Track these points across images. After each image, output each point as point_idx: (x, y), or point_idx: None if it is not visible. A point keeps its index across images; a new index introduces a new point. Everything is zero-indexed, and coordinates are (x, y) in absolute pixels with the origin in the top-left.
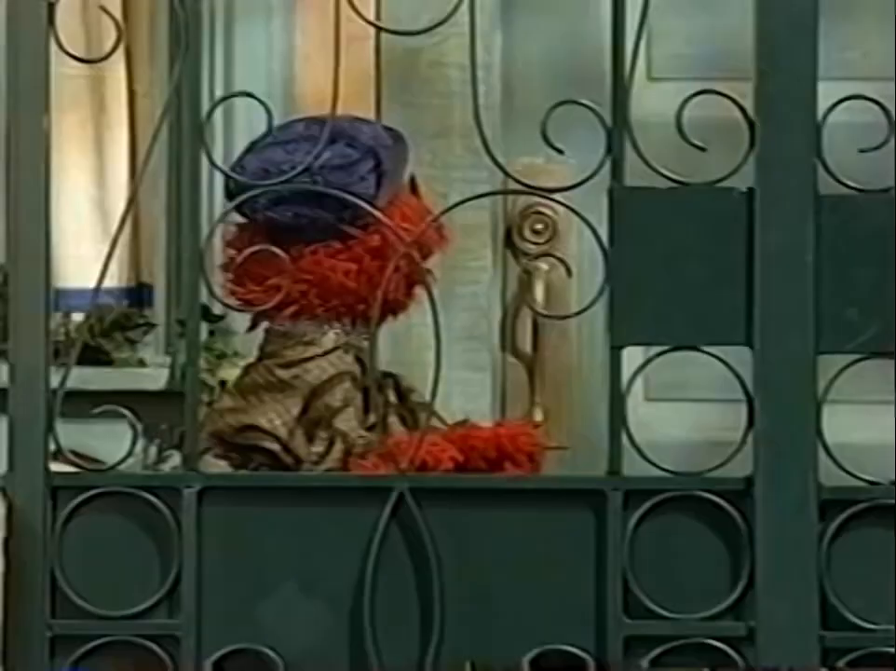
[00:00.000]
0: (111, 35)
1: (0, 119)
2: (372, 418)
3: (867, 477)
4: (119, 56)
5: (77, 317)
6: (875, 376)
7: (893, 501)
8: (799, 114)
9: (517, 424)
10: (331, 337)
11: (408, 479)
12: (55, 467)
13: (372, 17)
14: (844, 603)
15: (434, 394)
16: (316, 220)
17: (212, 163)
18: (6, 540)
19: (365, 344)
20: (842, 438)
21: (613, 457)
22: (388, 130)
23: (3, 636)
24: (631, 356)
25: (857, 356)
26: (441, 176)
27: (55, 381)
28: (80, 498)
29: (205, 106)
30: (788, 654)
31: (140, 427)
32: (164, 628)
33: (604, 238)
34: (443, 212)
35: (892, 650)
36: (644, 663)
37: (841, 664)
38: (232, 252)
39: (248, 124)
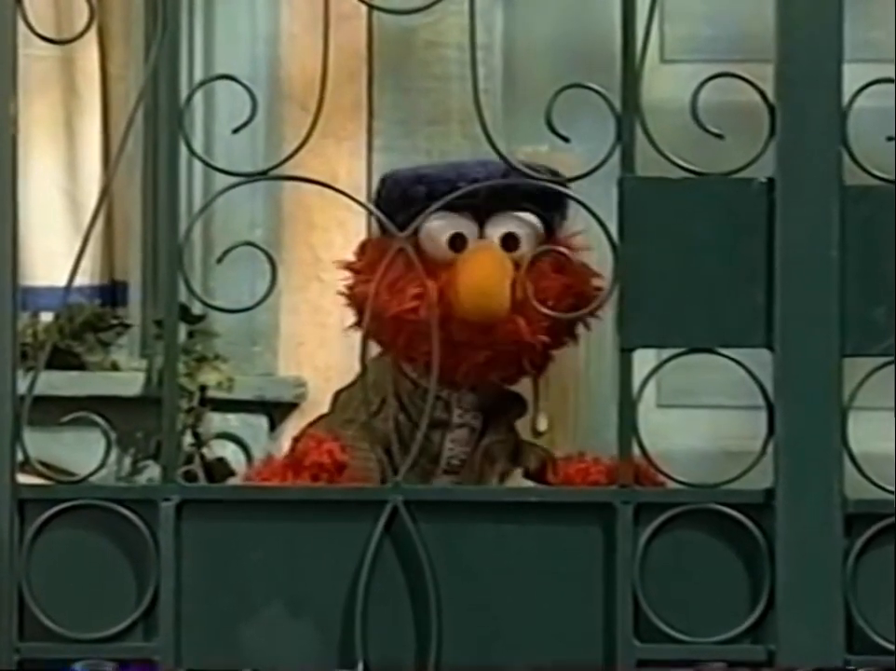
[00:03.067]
0: (83, 14)
1: None
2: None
3: None
4: (92, 36)
5: (46, 317)
6: None
7: None
8: (823, 98)
9: (584, 461)
10: None
11: (402, 491)
12: (22, 479)
13: None
14: (871, 625)
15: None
16: None
17: (192, 151)
18: None
19: None
20: (868, 447)
21: (623, 468)
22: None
23: None
24: (643, 359)
25: (885, 359)
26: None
27: (22, 387)
28: (50, 511)
29: (184, 90)
30: None
31: (113, 436)
32: (140, 651)
33: (614, 232)
34: (439, 205)
35: None
36: None
37: None
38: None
39: (230, 109)
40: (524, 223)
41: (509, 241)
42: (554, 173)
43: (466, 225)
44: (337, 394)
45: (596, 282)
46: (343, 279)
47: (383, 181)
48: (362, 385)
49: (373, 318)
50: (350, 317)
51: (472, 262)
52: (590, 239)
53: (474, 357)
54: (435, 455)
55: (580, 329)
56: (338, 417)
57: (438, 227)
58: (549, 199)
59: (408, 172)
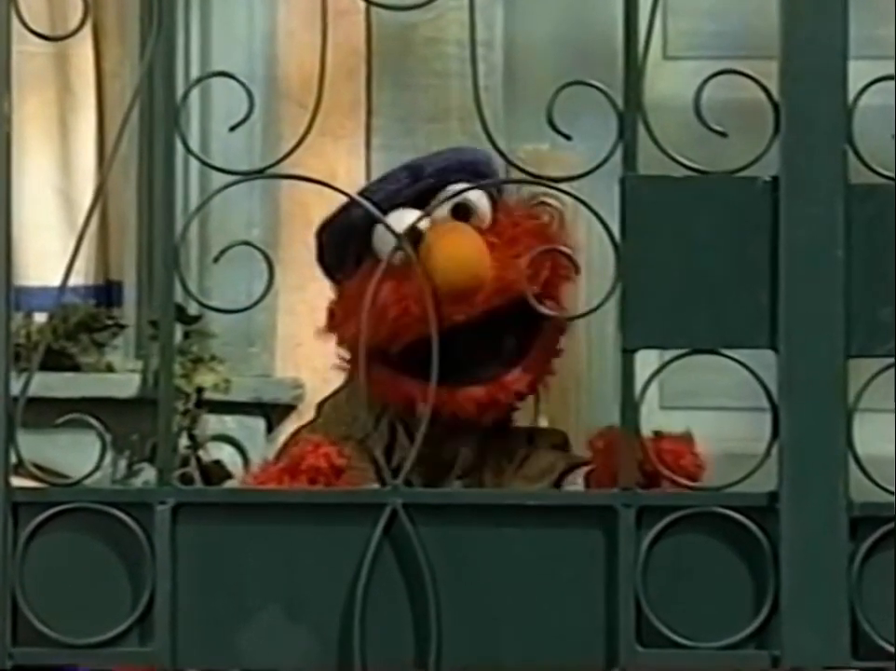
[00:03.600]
0: (77, 10)
1: None
2: None
3: None
4: (86, 32)
5: (40, 318)
6: None
7: None
8: (828, 96)
9: (679, 440)
10: None
11: (401, 494)
12: (16, 481)
13: None
14: (877, 630)
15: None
16: None
17: (188, 149)
18: None
19: None
20: (874, 449)
21: (625, 470)
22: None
23: None
24: (645, 360)
25: (890, 360)
26: None
27: (16, 388)
28: (43, 515)
29: (180, 88)
30: None
31: (108, 438)
32: (135, 657)
33: (616, 231)
34: (439, 203)
35: None
36: None
37: None
38: None
39: (226, 107)
40: (470, 192)
41: (461, 212)
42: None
43: (414, 216)
44: (321, 404)
45: (569, 243)
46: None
47: (318, 234)
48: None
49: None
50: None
51: (437, 242)
52: (592, 238)
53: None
54: (449, 463)
55: (573, 348)
56: (333, 431)
57: (386, 232)
58: (484, 173)
59: (331, 216)
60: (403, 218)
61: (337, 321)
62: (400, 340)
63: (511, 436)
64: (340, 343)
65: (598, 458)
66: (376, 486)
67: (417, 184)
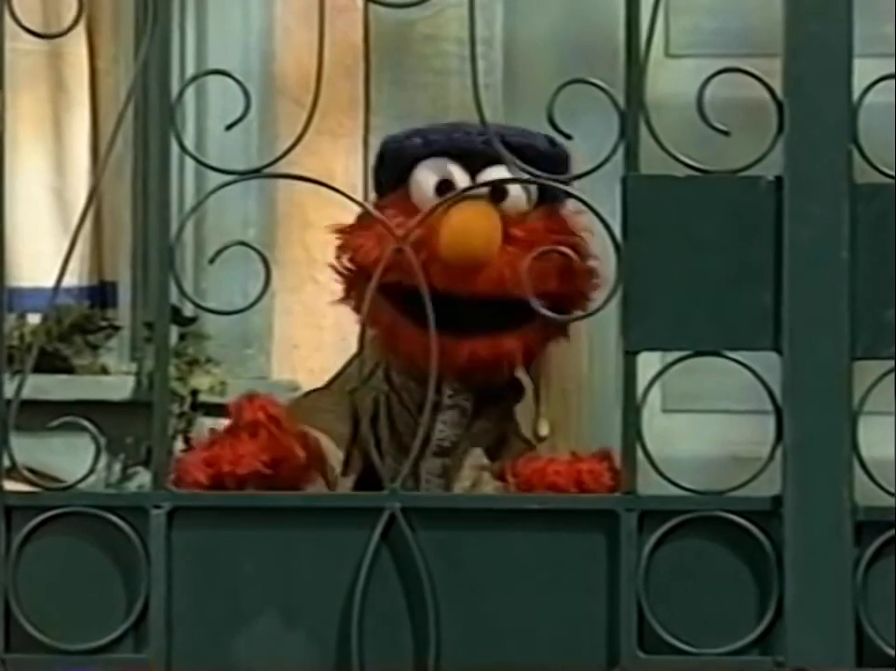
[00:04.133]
0: (71, 7)
1: None
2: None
3: None
4: (80, 30)
5: (33, 319)
6: None
7: None
8: (832, 94)
9: (595, 458)
10: None
11: (400, 498)
12: (9, 485)
13: None
14: (882, 636)
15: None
16: None
17: (183, 149)
18: None
19: None
20: (879, 453)
21: (627, 474)
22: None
23: None
24: (647, 363)
25: (894, 364)
26: None
27: (9, 390)
28: (37, 519)
29: (175, 86)
30: None
31: (103, 441)
32: (130, 663)
33: (617, 231)
34: (440, 204)
35: None
36: None
37: None
38: None
39: (222, 105)
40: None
41: (497, 193)
42: (552, 142)
43: (456, 173)
44: (308, 393)
45: (592, 263)
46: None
47: (384, 143)
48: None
49: (363, 281)
50: (345, 322)
51: (455, 208)
52: (594, 238)
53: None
54: (424, 436)
55: (573, 348)
56: (317, 417)
57: (426, 174)
58: (545, 163)
59: (406, 131)
60: (442, 167)
61: (354, 228)
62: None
63: (484, 431)
64: (343, 253)
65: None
66: (347, 434)
67: (471, 143)
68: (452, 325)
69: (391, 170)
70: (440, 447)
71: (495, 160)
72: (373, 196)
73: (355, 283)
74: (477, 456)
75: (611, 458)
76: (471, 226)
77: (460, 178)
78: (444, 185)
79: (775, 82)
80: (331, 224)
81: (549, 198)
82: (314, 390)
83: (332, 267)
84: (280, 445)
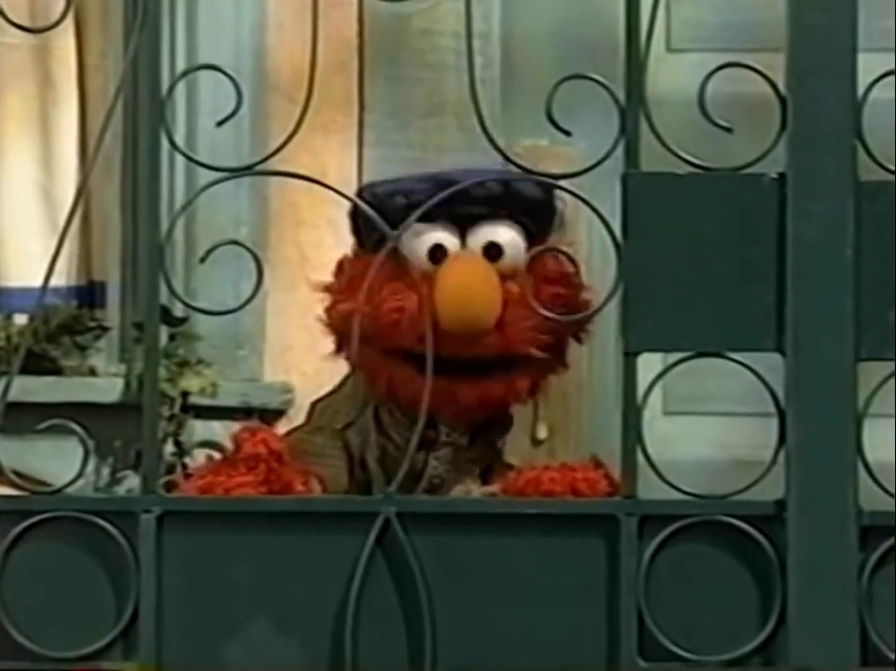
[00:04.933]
0: (58, 1)
1: None
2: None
3: None
4: (68, 24)
5: (20, 319)
6: None
7: None
8: (837, 90)
9: (589, 466)
10: None
11: (394, 502)
12: None
13: None
14: (887, 642)
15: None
16: None
17: (174, 145)
18: None
19: None
20: (883, 456)
21: (627, 478)
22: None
23: None
24: (648, 364)
25: None
26: (432, 160)
27: None
28: (24, 524)
29: (165, 81)
30: None
31: (91, 444)
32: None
33: (617, 230)
34: (434, 201)
35: None
36: None
37: None
38: None
39: (214, 101)
40: (508, 232)
41: (492, 251)
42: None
43: (446, 237)
44: (314, 404)
45: (585, 295)
46: (322, 300)
47: (359, 193)
48: (341, 397)
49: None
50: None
51: (451, 272)
52: (593, 238)
53: (461, 384)
54: (418, 473)
55: (573, 348)
56: (324, 433)
57: (417, 242)
58: (534, 211)
59: (385, 184)
60: (432, 236)
61: (341, 288)
62: (396, 344)
63: (471, 461)
64: (331, 311)
65: None
66: (344, 471)
67: (457, 206)
68: (456, 373)
69: (371, 225)
70: (431, 484)
71: (485, 216)
72: (349, 240)
73: (347, 339)
74: (467, 483)
75: (605, 466)
76: (471, 295)
77: (451, 242)
78: (437, 250)
79: (778, 77)
80: (316, 250)
81: (540, 240)
82: (296, 428)
83: (322, 321)
84: (280, 479)
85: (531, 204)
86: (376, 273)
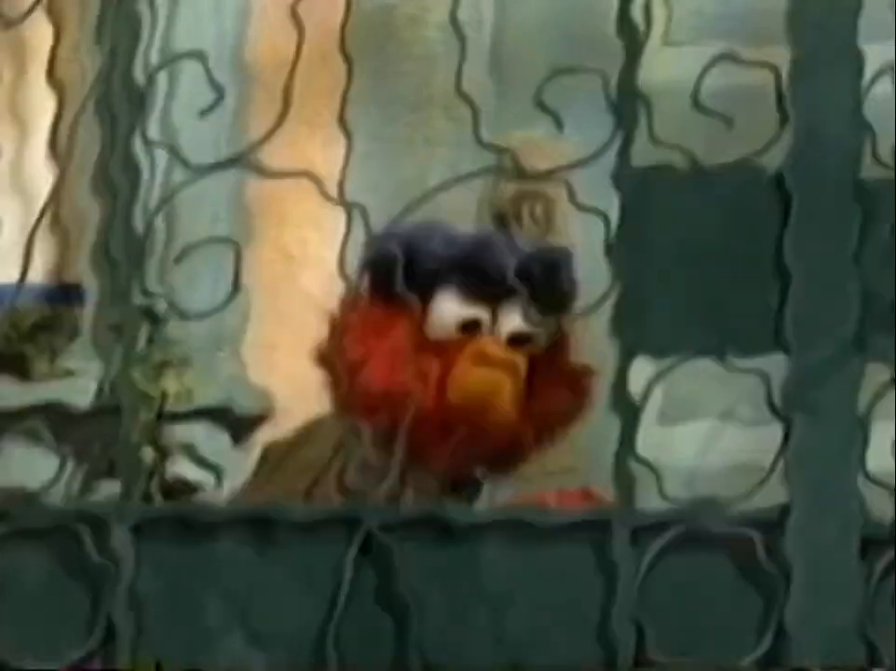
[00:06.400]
0: None
1: None
2: None
3: None
4: (42, 14)
5: None
6: None
7: None
8: (840, 82)
9: (578, 495)
10: None
11: (378, 512)
12: None
13: None
14: (892, 656)
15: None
16: None
17: (150, 140)
18: None
19: None
20: (888, 461)
21: (621, 484)
22: None
23: None
24: (644, 367)
25: None
26: (420, 154)
27: None
28: None
29: (143, 72)
30: None
31: (65, 450)
32: None
33: (612, 227)
34: (425, 197)
35: None
36: None
37: None
38: None
39: (192, 93)
40: (537, 315)
41: (517, 340)
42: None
43: (480, 312)
44: (267, 449)
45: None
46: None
47: (383, 238)
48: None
49: (353, 385)
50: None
51: (475, 377)
52: (588, 234)
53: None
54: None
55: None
56: (315, 452)
57: (448, 309)
58: (554, 296)
59: (384, 232)
60: (454, 308)
61: (354, 335)
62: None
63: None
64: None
65: None
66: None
67: (487, 281)
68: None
69: (386, 278)
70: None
71: (507, 293)
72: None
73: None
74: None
75: (594, 498)
76: (495, 392)
77: (484, 317)
78: (471, 324)
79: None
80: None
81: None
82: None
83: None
84: None
85: (551, 291)
86: (396, 332)
